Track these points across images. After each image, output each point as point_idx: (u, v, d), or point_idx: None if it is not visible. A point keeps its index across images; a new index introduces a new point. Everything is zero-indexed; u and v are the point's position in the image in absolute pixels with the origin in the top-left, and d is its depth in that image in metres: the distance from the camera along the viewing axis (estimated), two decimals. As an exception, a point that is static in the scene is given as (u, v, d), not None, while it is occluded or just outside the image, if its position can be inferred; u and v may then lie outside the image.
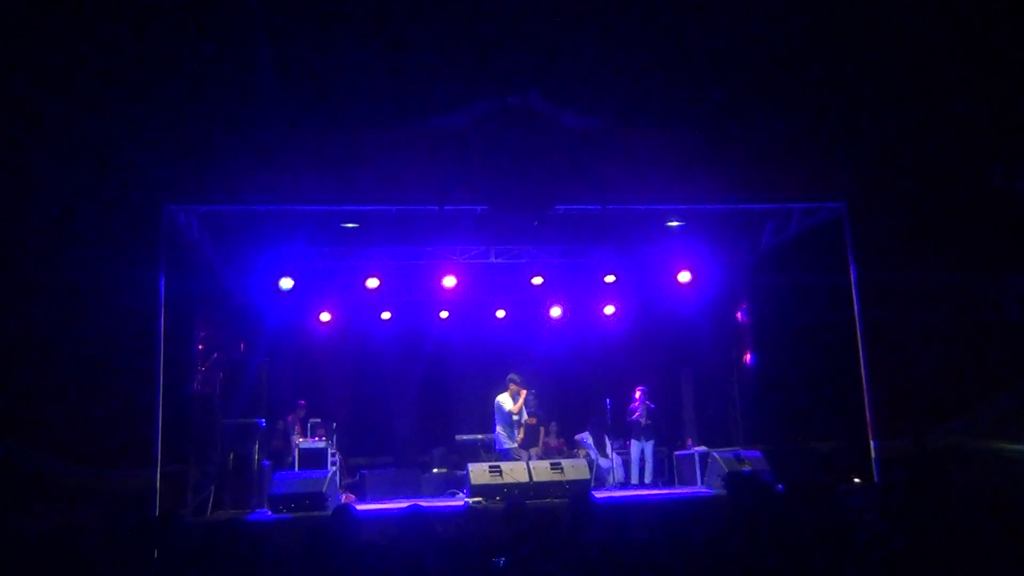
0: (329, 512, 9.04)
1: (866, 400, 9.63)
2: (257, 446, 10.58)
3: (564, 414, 14.03)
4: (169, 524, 5.52)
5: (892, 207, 9.84)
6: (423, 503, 6.54)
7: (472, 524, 8.39)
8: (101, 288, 8.49)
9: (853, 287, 9.87)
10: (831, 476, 10.01)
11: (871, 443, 9.54)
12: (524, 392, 11.79)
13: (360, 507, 8.46)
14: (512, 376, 11.86)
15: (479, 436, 12.42)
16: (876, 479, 9.39)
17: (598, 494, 9.70)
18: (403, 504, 9.35)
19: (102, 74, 8.51)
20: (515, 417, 11.72)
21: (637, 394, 12.88)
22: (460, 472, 12.36)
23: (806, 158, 10.05)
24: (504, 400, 11.79)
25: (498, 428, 11.78)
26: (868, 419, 9.58)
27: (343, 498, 10.38)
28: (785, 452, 11.23)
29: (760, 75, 9.22)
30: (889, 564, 4.51)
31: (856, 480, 9.94)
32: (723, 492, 9.69)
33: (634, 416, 12.75)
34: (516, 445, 11.66)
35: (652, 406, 12.82)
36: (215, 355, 11.49)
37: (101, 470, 8.16)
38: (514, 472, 9.97)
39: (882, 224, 9.85)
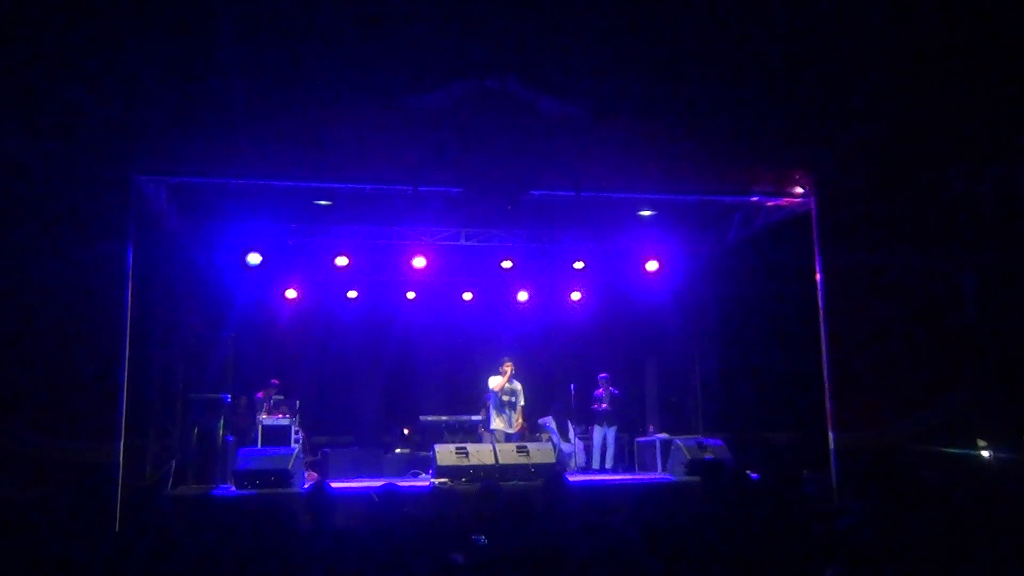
0: (294, 489, 9.07)
1: (826, 392, 9.81)
2: (222, 421, 10.50)
3: (528, 398, 14.08)
4: (150, 497, 5.49)
5: (859, 202, 10.00)
6: (396, 482, 6.56)
7: (438, 504, 8.42)
8: (68, 257, 8.34)
9: (818, 281, 10.04)
10: (787, 467, 10.21)
11: (829, 435, 9.73)
12: (508, 371, 11.79)
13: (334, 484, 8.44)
14: (505, 357, 11.95)
15: (443, 417, 12.44)
16: (833, 471, 9.59)
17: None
18: (367, 483, 9.44)
19: (72, 41, 8.31)
20: (504, 398, 11.75)
21: (600, 380, 12.99)
22: (423, 453, 12.41)
23: (776, 153, 10.18)
24: (491, 380, 11.89)
25: (491, 407, 11.93)
26: (827, 411, 9.77)
27: (306, 475, 10.35)
28: (743, 442, 11.45)
29: (734, 69, 9.31)
30: (856, 553, 4.64)
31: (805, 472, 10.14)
32: (686, 478, 9.91)
33: (598, 404, 12.87)
34: (502, 427, 11.67)
35: (616, 392, 12.94)
36: (178, 329, 11.36)
37: (65, 440, 8.05)
38: (480, 454, 10.04)
39: (849, 219, 10.02)
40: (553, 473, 6.71)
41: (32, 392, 8.12)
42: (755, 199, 10.71)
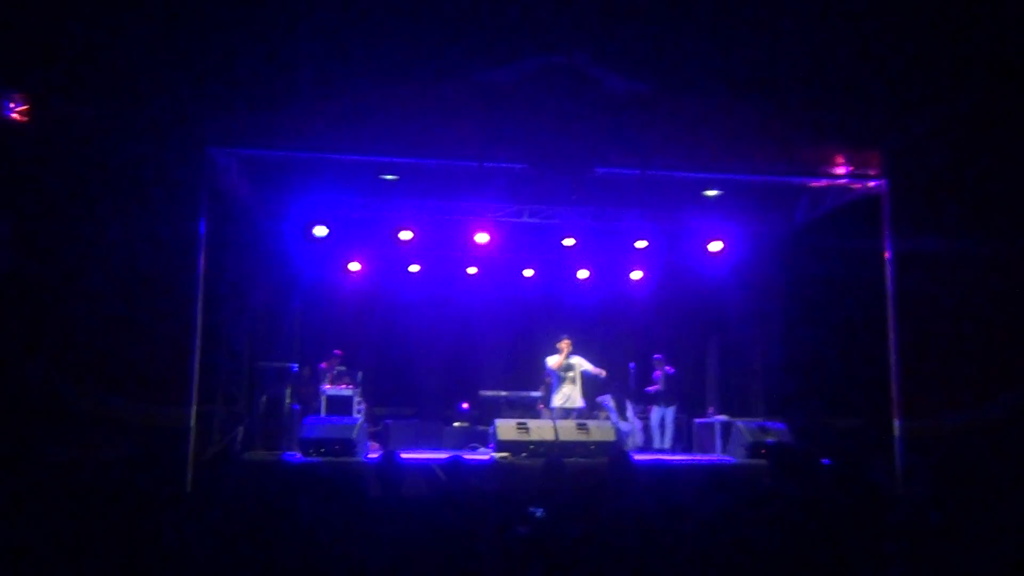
0: (358, 458, 9.25)
1: (892, 378, 9.65)
2: (289, 390, 10.74)
3: (588, 376, 14.13)
4: (222, 461, 5.66)
5: (933, 184, 9.77)
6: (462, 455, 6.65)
7: (500, 478, 8.53)
8: (144, 228, 8.59)
9: (887, 264, 9.85)
10: (854, 453, 10.10)
11: (895, 422, 9.57)
12: (565, 349, 11.77)
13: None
14: (563, 335, 11.93)
15: (503, 393, 12.53)
16: (898, 459, 9.45)
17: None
18: (431, 455, 9.58)
19: (149, 18, 8.51)
20: (563, 374, 11.73)
21: (655, 361, 12.96)
22: (482, 427, 12.54)
23: (847, 132, 9.98)
24: (548, 359, 11.92)
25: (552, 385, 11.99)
26: (893, 398, 9.62)
27: (369, 445, 10.55)
28: (805, 426, 11.31)
29: (805, 45, 9.13)
30: (923, 540, 4.59)
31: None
32: (747, 461, 9.86)
33: (653, 385, 12.87)
34: (561, 403, 11.65)
35: (671, 371, 12.89)
36: (247, 299, 11.61)
37: (139, 406, 8.33)
38: (541, 430, 10.10)
39: (921, 201, 9.79)
40: (618, 451, 6.74)
41: (109, 358, 8.40)
42: (824, 180, 10.52)
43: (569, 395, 11.70)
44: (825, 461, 5.37)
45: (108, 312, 8.50)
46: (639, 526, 4.28)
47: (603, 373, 11.89)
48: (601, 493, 5.11)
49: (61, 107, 8.64)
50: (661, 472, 6.73)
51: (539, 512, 4.77)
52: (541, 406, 12.26)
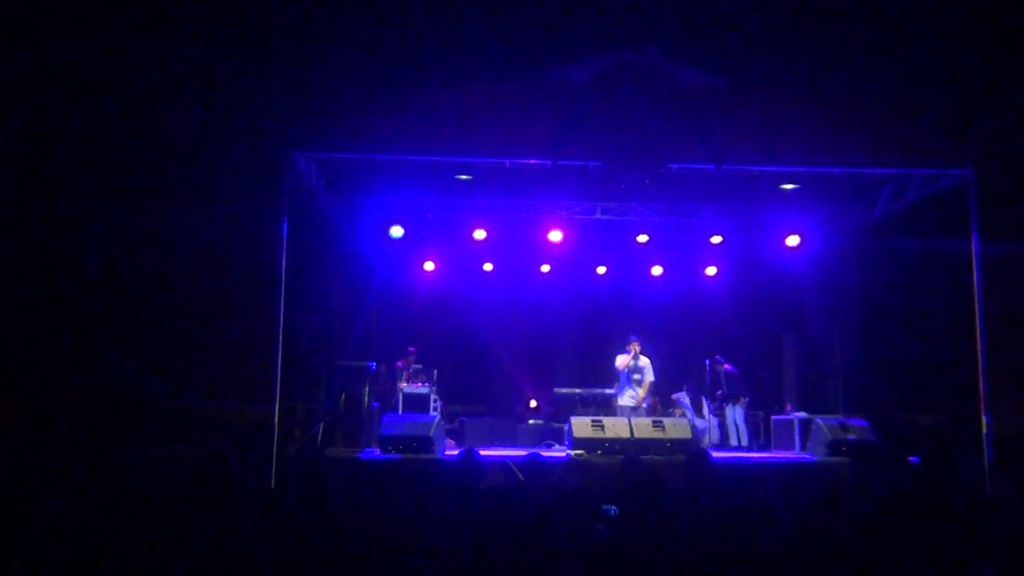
0: (435, 455, 9.38)
1: (980, 374, 9.36)
2: (367, 388, 10.94)
3: (662, 373, 14.02)
4: (305, 458, 5.80)
5: (1023, 175, 9.45)
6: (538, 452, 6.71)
7: (577, 475, 8.56)
8: (228, 228, 8.86)
9: (975, 258, 9.55)
10: (936, 451, 9.83)
11: (983, 418, 9.29)
12: (634, 350, 11.84)
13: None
14: (632, 337, 12.05)
15: (577, 390, 12.54)
16: (986, 456, 9.17)
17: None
18: (509, 452, 9.66)
19: (232, 21, 8.78)
20: (635, 376, 11.82)
21: (715, 361, 12.88)
22: (556, 424, 12.57)
23: (931, 121, 9.69)
24: (617, 359, 12.03)
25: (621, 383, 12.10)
26: (982, 394, 9.33)
27: (446, 442, 10.68)
28: (887, 423, 11.04)
29: (885, 33, 8.91)
30: (1013, 541, 4.45)
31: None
32: (828, 459, 9.67)
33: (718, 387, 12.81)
34: (628, 403, 11.76)
35: (730, 370, 12.74)
36: (326, 298, 11.87)
37: (225, 403, 8.59)
38: (616, 427, 10.09)
39: (1010, 193, 9.46)
40: (697, 448, 6.69)
41: (197, 357, 8.68)
42: (908, 171, 10.24)
43: (635, 395, 11.80)
44: (911, 459, 5.25)
45: (195, 312, 8.80)
46: (718, 524, 4.25)
47: (653, 402, 12.11)
48: (679, 491, 5.09)
49: (151, 114, 8.98)
50: (740, 470, 6.70)
51: (612, 510, 4.78)
52: (615, 403, 12.24)
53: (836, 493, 4.79)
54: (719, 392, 12.77)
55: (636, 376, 11.86)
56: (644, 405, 11.90)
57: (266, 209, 8.99)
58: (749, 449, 12.32)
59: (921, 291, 11.18)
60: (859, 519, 4.23)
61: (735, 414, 12.64)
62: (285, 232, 9.10)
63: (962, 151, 9.62)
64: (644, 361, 11.93)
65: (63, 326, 8.77)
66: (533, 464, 5.49)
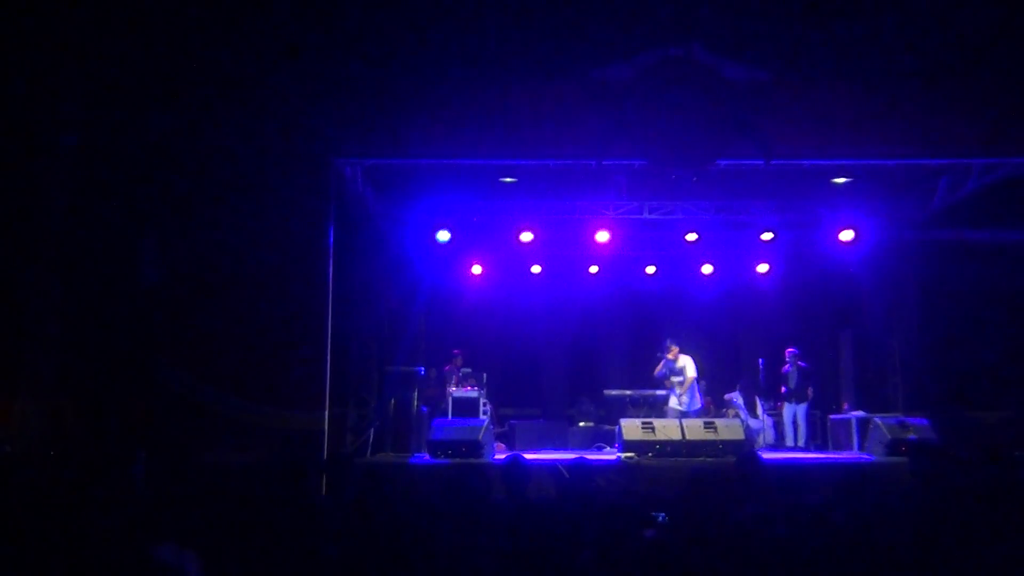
0: (485, 460, 9.35)
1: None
2: (416, 393, 10.96)
3: (715, 373, 13.83)
4: (341, 464, 5.79)
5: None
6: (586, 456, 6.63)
7: (627, 478, 8.45)
8: (276, 237, 8.97)
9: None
10: (997, 448, 9.52)
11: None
12: (671, 354, 11.77)
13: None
14: (668, 341, 12.01)
15: (627, 392, 12.42)
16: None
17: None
18: (556, 456, 9.60)
19: (276, 31, 8.88)
20: (675, 379, 11.79)
21: (788, 356, 12.55)
22: (606, 427, 12.45)
23: (987, 108, 9.36)
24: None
25: None
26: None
27: (495, 446, 10.65)
28: (948, 421, 10.71)
29: (937, 19, 8.65)
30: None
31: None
32: (887, 459, 9.42)
33: (785, 381, 12.48)
34: (673, 405, 11.68)
35: (804, 366, 12.45)
36: (374, 304, 11.92)
37: (276, 410, 8.68)
38: (667, 429, 9.95)
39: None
40: (746, 450, 6.55)
41: (247, 363, 8.79)
42: (964, 161, 9.93)
43: (679, 398, 11.71)
44: (971, 457, 5.06)
45: (245, 320, 8.92)
46: (767, 531, 4.13)
47: (691, 395, 11.90)
48: (728, 495, 4.96)
49: (200, 125, 9.12)
50: (792, 472, 6.54)
51: (661, 517, 4.68)
52: (666, 405, 12.10)
53: (890, 495, 4.64)
54: (784, 390, 12.51)
55: (677, 379, 11.82)
56: (689, 400, 11.76)
57: (313, 216, 9.08)
58: (807, 449, 12.07)
59: (981, 284, 10.82)
60: (913, 523, 4.07)
61: (797, 411, 12.35)
62: (332, 239, 9.17)
63: (1021, 138, 9.28)
64: (683, 361, 11.84)
65: (118, 334, 8.96)
66: (580, 468, 5.40)
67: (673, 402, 11.71)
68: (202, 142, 9.09)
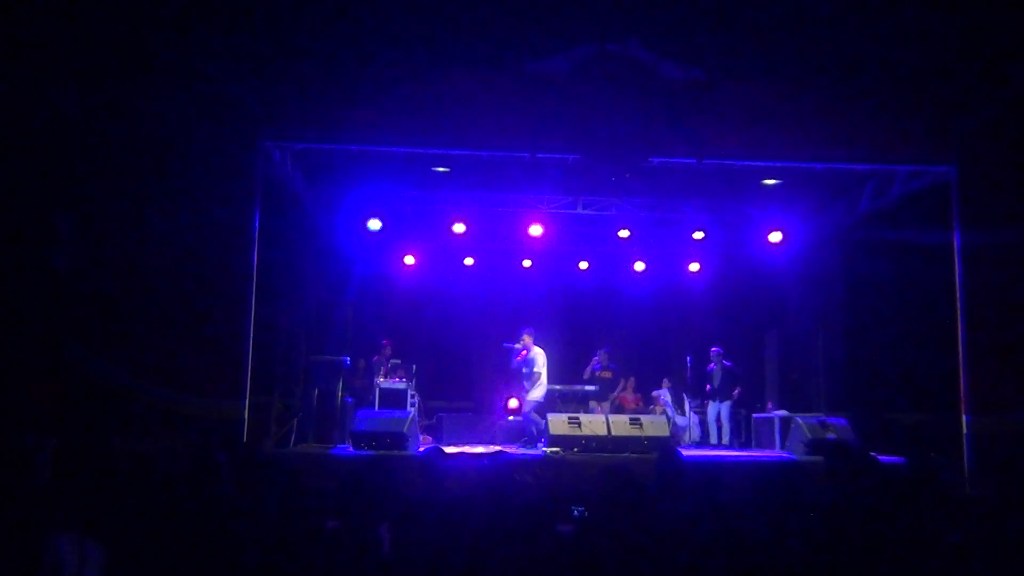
0: (409, 452, 9.22)
1: (961, 373, 9.28)
2: (341, 383, 10.77)
3: (643, 370, 13.92)
4: (254, 454, 5.63)
5: (1005, 173, 9.34)
6: (508, 450, 6.57)
7: (549, 473, 8.42)
8: (199, 220, 8.70)
9: (956, 256, 9.46)
10: (923, 452, 9.77)
11: (963, 418, 9.21)
12: (521, 343, 11.31)
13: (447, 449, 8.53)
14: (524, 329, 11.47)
15: (556, 387, 12.39)
16: (967, 456, 9.09)
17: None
18: (479, 449, 9.52)
19: (204, 9, 8.59)
20: (524, 369, 11.28)
21: (712, 355, 12.68)
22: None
23: (914, 117, 9.58)
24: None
25: None
26: (962, 393, 9.25)
27: (421, 439, 10.53)
28: (867, 422, 10.95)
29: (868, 29, 8.79)
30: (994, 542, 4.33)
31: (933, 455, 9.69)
32: (807, 458, 9.56)
33: (710, 380, 12.62)
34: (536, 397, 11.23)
35: (729, 365, 12.60)
36: (301, 292, 11.68)
37: (195, 398, 8.42)
38: (592, 425, 9.95)
39: (992, 191, 9.37)
40: (666, 446, 6.56)
41: (164, 350, 8.51)
42: (890, 167, 10.13)
43: (530, 390, 11.23)
44: (894, 459, 5.14)
45: (164, 306, 8.63)
46: (682, 527, 4.12)
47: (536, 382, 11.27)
48: (644, 491, 4.94)
49: (118, 100, 8.78)
50: (712, 469, 6.57)
51: (577, 511, 4.64)
52: (593, 402, 12.09)
53: (806, 494, 4.67)
54: (708, 387, 12.64)
55: (525, 370, 11.25)
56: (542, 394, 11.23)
57: (237, 200, 8.83)
58: (730, 447, 12.22)
59: (904, 288, 11.09)
60: (825, 521, 4.09)
61: (721, 409, 12.49)
62: (257, 224, 8.94)
63: (945, 148, 9.53)
64: (535, 352, 11.31)
65: (29, 319, 8.58)
66: (500, 462, 5.33)
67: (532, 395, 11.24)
68: (121, 118, 8.76)
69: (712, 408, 12.60)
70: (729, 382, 12.54)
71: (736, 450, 11.88)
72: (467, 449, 9.43)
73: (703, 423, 12.86)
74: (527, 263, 14.18)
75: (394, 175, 10.93)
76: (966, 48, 8.82)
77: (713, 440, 12.50)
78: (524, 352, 11.29)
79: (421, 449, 9.57)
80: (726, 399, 12.48)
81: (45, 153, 8.71)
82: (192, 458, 7.46)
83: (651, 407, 12.96)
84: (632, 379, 13.47)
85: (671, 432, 10.95)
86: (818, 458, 9.35)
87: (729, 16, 8.78)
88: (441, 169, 10.80)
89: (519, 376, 11.45)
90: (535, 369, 11.24)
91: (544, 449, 9.89)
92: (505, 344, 11.56)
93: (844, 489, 4.56)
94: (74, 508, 5.17)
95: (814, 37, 8.94)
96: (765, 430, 11.86)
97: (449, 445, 10.58)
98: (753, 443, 12.26)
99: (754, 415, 12.52)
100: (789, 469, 4.77)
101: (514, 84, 9.31)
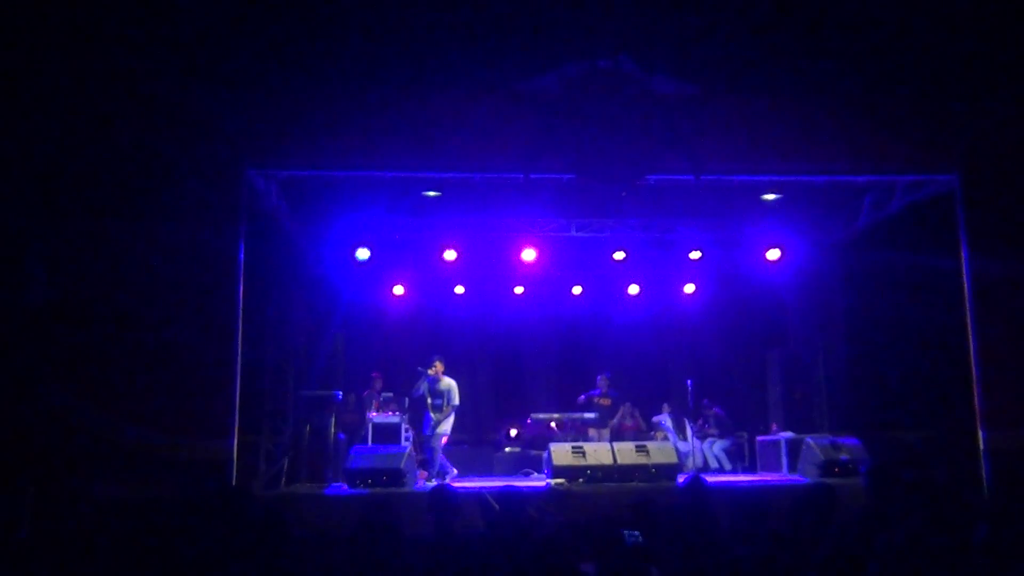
0: (407, 488, 8.83)
1: (975, 388, 9.01)
2: (333, 419, 10.36)
3: (643, 395, 13.56)
4: (242, 497, 5.27)
5: (1011, 181, 9.14)
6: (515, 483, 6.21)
7: (558, 507, 8.04)
8: (182, 254, 8.36)
9: (963, 268, 9.23)
10: (921, 468, 9.52)
11: (980, 433, 8.93)
12: (432, 370, 10.84)
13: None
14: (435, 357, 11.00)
15: (555, 415, 12.05)
16: (984, 472, 8.82)
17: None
18: (484, 483, 9.14)
19: (186, 37, 8.32)
20: (432, 400, 10.75)
21: (702, 406, 12.67)
22: (533, 452, 12.06)
23: (915, 126, 9.38)
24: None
25: None
26: (977, 408, 8.98)
27: (418, 474, 10.10)
28: (874, 440, 10.66)
29: (865, 38, 8.63)
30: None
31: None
32: (820, 480, 9.24)
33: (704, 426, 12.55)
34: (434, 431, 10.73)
35: (720, 412, 12.53)
36: (289, 324, 11.29)
37: (179, 439, 8.01)
38: (598, 454, 9.59)
39: (998, 200, 9.17)
40: (692, 474, 6.22)
41: (146, 388, 8.11)
42: (890, 178, 9.91)
43: (439, 421, 10.70)
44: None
45: (146, 342, 8.24)
46: (725, 556, 3.78)
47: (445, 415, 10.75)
48: (674, 522, 4.61)
49: (100, 129, 8.46)
50: (738, 495, 6.23)
51: (635, 536, 4.20)
52: (591, 429, 11.73)
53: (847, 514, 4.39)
54: (706, 426, 12.47)
55: (434, 400, 10.70)
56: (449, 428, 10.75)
57: (222, 230, 8.50)
58: (734, 472, 11.88)
59: (906, 302, 10.84)
60: (881, 543, 3.79)
61: (714, 446, 12.35)
62: (242, 255, 8.60)
63: (947, 156, 9.33)
64: (446, 383, 10.80)
65: (2, 353, 8.16)
66: (509, 497, 4.96)
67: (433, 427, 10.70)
68: (101, 148, 8.43)
69: (708, 441, 12.48)
70: (723, 426, 12.42)
71: (742, 475, 11.54)
72: (471, 483, 9.05)
73: (704, 450, 12.56)
74: (519, 290, 13.83)
75: (382, 202, 10.64)
76: (966, 55, 8.67)
77: (713, 466, 12.20)
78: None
79: (420, 485, 9.20)
80: (724, 438, 12.51)
81: (19, 180, 8.36)
82: (178, 505, 7.08)
83: (652, 433, 12.62)
84: (629, 405, 13.10)
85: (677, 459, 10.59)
86: (835, 480, 9.05)
87: (722, 29, 8.61)
88: (431, 193, 10.49)
89: (423, 405, 10.82)
90: (453, 402, 10.66)
91: (548, 481, 9.50)
92: (419, 368, 10.89)
93: (890, 510, 4.27)
94: (54, 563, 4.82)
95: (809, 48, 8.78)
96: (770, 453, 11.54)
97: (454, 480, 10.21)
98: (757, 467, 11.94)
99: (758, 438, 12.20)
100: (825, 492, 4.46)
101: (505, 104, 9.06)
